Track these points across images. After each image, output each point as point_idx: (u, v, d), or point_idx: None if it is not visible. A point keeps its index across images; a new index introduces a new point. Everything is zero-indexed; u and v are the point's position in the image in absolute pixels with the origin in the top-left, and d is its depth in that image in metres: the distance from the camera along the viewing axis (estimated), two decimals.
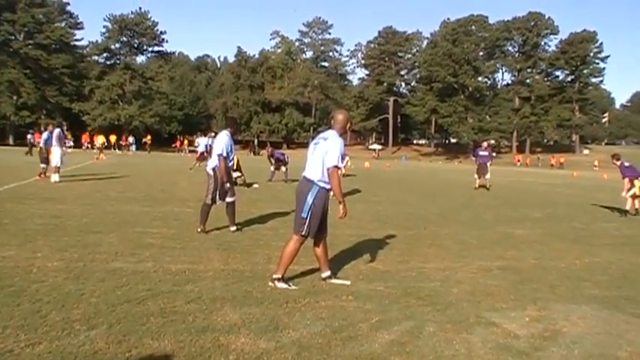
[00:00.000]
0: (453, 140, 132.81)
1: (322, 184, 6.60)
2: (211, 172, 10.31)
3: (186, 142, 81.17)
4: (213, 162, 10.33)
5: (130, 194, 16.30)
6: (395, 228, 12.00)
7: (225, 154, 10.12)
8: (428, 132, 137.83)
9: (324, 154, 6.58)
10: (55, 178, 18.75)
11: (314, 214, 6.58)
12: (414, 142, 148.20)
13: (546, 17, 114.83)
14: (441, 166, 71.88)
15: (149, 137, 75.87)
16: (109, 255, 7.79)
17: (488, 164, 27.20)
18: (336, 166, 6.53)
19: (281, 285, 6.51)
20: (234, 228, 10.52)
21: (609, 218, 16.96)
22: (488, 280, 7.60)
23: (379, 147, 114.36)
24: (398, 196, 20.90)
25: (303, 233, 6.60)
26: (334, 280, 6.89)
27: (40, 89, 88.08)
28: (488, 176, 26.79)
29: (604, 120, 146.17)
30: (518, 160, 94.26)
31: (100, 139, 61.48)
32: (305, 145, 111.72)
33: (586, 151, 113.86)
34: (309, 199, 6.57)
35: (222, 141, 10.26)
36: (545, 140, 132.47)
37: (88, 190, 16.75)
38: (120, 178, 21.99)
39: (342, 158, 6.79)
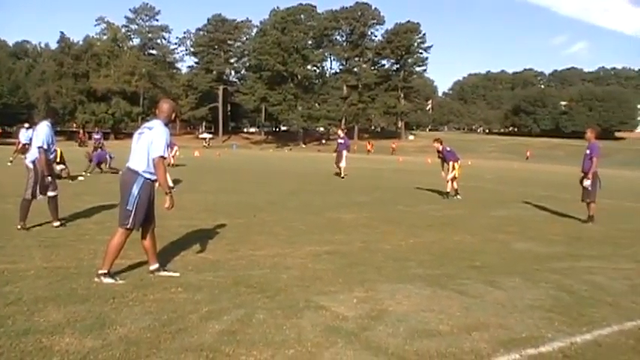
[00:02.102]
0: (284, 128, 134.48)
1: (147, 175, 6.48)
2: (31, 166, 9.83)
3: None
4: (32, 154, 9.85)
5: None
6: (225, 217, 11.96)
7: (45, 146, 9.70)
8: (258, 120, 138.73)
9: (149, 144, 6.47)
10: None
11: (139, 205, 6.44)
12: (245, 130, 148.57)
13: (373, 8, 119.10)
14: (271, 154, 72.34)
15: None
16: None
17: (343, 152, 27.08)
18: (162, 157, 6.44)
19: (107, 280, 6.33)
20: (57, 223, 10.09)
21: (432, 200, 17.82)
22: (317, 265, 7.77)
23: (209, 136, 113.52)
24: (228, 185, 20.83)
25: (128, 226, 6.44)
26: (163, 273, 6.78)
27: None
28: (343, 164, 26.84)
29: (428, 107, 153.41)
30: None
31: None
32: (132, 136, 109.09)
33: (411, 137, 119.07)
34: (134, 191, 6.42)
35: (42, 132, 9.81)
36: (373, 127, 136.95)
37: None
38: None
39: (170, 148, 6.70)
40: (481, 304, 6.28)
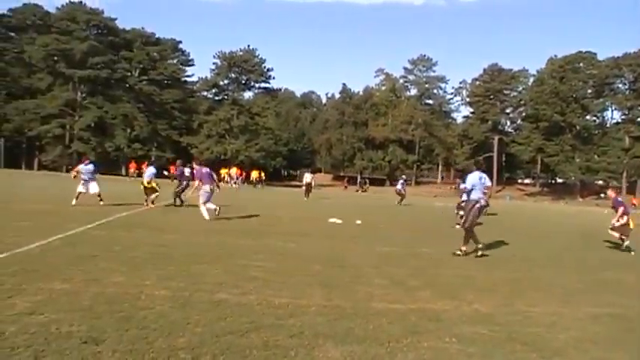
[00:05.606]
0: (560, 180, 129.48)
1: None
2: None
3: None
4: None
5: (235, 227, 16.56)
6: (499, 269, 11.71)
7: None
8: (533, 171, 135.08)
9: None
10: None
11: None
12: (519, 181, 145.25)
13: None
14: (546, 207, 69.71)
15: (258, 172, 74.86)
16: (213, 286, 7.94)
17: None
18: None
19: None
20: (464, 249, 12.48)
21: None
22: (597, 327, 7.31)
23: None
24: (501, 236, 20.41)
25: None
26: None
27: (152, 123, 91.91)
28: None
29: None
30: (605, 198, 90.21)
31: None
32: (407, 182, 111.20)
33: None
34: None
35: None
36: None
37: (191, 222, 17.15)
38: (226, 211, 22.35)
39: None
40: None
